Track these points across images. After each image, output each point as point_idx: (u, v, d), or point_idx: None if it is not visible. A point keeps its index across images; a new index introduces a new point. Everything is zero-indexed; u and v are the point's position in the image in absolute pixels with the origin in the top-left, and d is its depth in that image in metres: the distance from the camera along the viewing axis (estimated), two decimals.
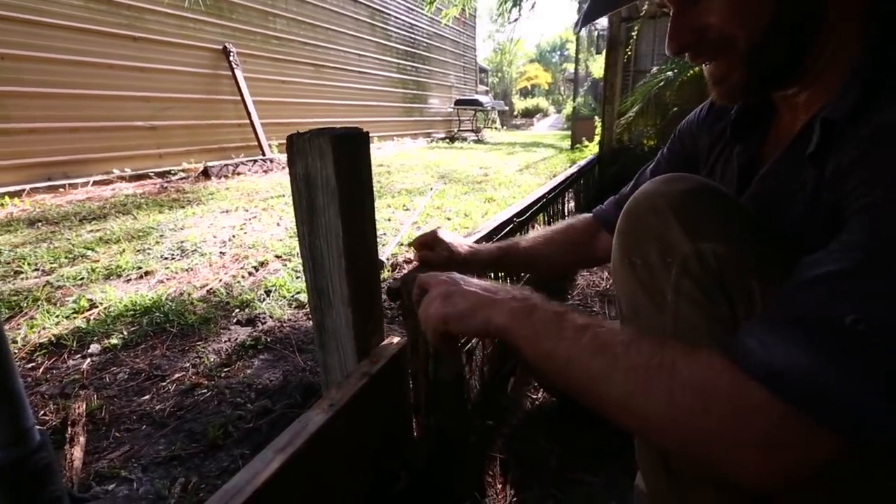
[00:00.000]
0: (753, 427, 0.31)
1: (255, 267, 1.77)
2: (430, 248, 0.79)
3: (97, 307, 1.41)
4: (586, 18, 0.59)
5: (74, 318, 1.35)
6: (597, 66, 8.26)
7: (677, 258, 0.44)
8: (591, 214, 0.86)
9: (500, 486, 0.80)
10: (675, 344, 0.37)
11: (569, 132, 8.71)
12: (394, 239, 2.06)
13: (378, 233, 2.29)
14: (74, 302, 1.43)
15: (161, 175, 3.93)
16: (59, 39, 3.34)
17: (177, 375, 1.09)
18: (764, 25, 0.42)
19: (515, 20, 2.68)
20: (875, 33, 0.39)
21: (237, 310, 1.42)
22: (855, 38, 0.41)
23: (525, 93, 27.66)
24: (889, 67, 0.36)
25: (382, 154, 6.13)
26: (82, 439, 0.88)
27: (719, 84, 0.50)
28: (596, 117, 5.02)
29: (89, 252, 1.90)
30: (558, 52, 33.90)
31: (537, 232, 0.89)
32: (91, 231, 2.21)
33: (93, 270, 1.69)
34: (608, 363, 0.37)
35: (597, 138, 3.87)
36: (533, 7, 2.72)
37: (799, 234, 0.43)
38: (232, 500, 0.46)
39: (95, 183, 3.51)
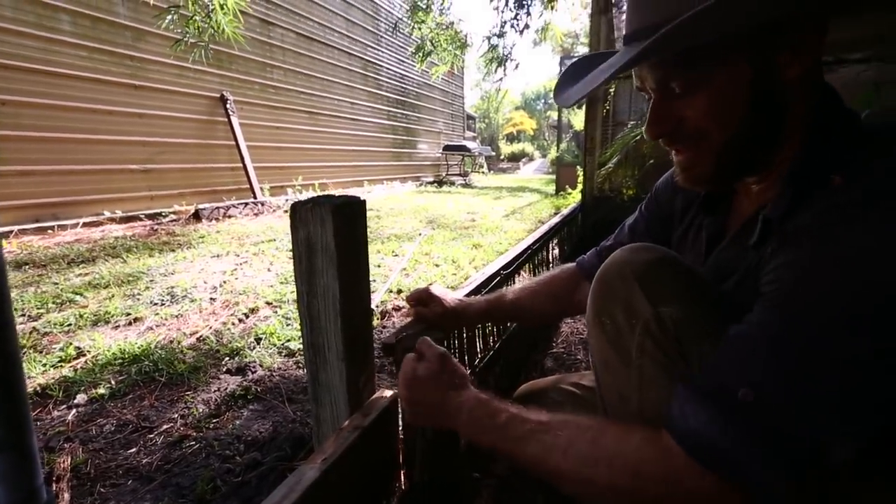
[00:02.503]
0: (680, 486, 0.38)
1: (245, 314, 1.79)
2: (424, 303, 0.85)
3: (85, 355, 1.41)
4: (559, 95, 0.64)
5: (61, 366, 1.34)
6: (578, 119, 8.70)
7: (640, 320, 0.50)
8: (574, 265, 0.90)
9: None
10: (610, 431, 0.45)
11: (553, 176, 9.03)
12: (383, 286, 2.10)
13: None
14: (61, 350, 1.42)
15: (151, 217, 3.96)
16: (61, 87, 3.45)
17: (165, 427, 1.09)
18: (736, 127, 0.47)
19: (500, 79, 2.88)
20: (810, 144, 0.46)
21: (227, 358, 1.43)
22: (800, 145, 0.47)
23: (511, 138, 28.72)
24: (812, 176, 0.43)
25: (372, 197, 6.26)
26: (67, 496, 0.87)
27: (686, 171, 0.54)
28: (578, 166, 5.25)
29: (77, 297, 1.90)
30: (542, 101, 35.56)
31: (523, 284, 0.94)
32: (79, 275, 2.22)
33: (81, 316, 1.69)
34: (558, 461, 0.46)
35: (580, 186, 4.04)
36: (517, 67, 2.92)
37: (736, 306, 0.49)
38: None
39: (85, 224, 3.52)
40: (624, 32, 0.51)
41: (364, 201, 0.72)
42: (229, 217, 4.11)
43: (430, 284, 0.89)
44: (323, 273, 0.69)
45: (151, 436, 1.06)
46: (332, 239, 0.66)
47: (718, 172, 0.51)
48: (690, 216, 0.71)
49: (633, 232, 0.83)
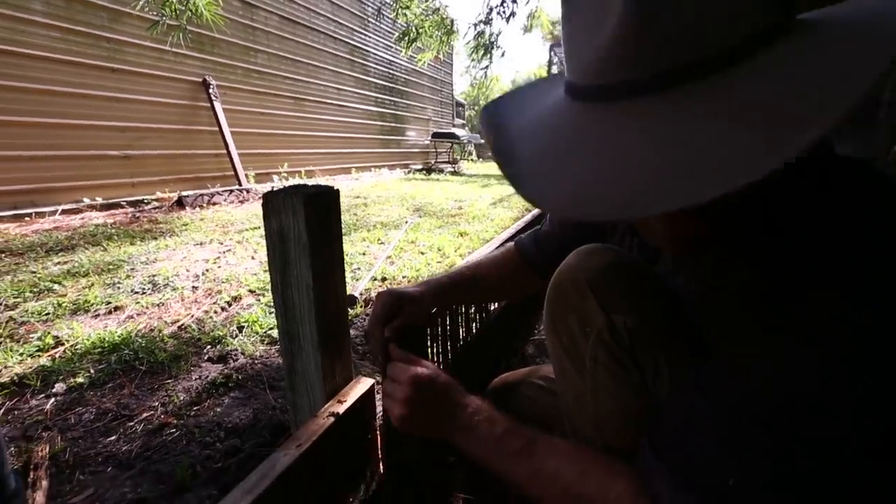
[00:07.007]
0: None
1: (227, 302, 1.78)
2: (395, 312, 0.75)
3: (63, 344, 1.40)
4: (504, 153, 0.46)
5: (39, 356, 1.33)
6: None
7: (594, 329, 0.49)
8: (514, 250, 0.85)
9: None
10: (596, 470, 0.43)
11: None
12: (367, 274, 2.11)
13: (353, 267, 2.32)
14: (39, 339, 1.41)
15: (133, 204, 3.89)
16: (34, 69, 3.34)
17: (145, 415, 1.09)
18: None
19: (486, 67, 2.86)
20: None
21: (209, 346, 1.43)
22: None
23: None
24: None
25: (359, 185, 6.21)
26: (45, 483, 0.87)
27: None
28: None
29: (56, 286, 1.87)
30: None
31: (471, 262, 0.88)
32: (58, 263, 2.18)
33: (59, 305, 1.67)
34: (545, 486, 0.45)
35: None
36: (503, 55, 2.90)
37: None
38: None
39: (64, 212, 3.44)
40: (583, 72, 0.34)
41: (337, 191, 0.73)
42: (214, 204, 4.05)
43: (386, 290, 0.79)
44: (296, 263, 0.69)
45: (131, 424, 1.06)
46: (305, 229, 0.66)
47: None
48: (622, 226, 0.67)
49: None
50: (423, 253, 2.59)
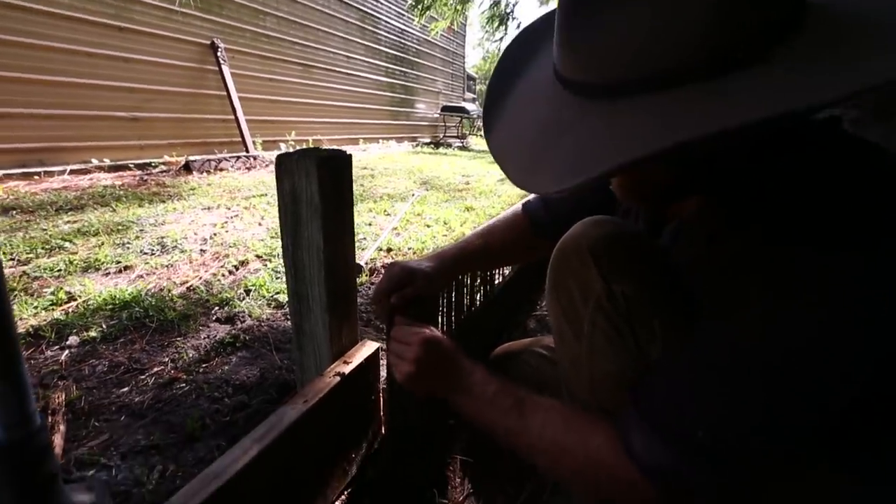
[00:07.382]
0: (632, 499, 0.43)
1: (235, 266, 1.81)
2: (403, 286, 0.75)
3: (76, 300, 1.43)
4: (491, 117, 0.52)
5: (52, 309, 1.37)
6: None
7: (593, 296, 0.51)
8: (522, 213, 0.85)
9: (458, 481, 0.88)
10: (579, 424, 0.48)
11: None
12: (373, 244, 2.12)
13: (359, 237, 2.34)
14: (52, 294, 1.44)
15: (141, 167, 3.89)
16: (39, 25, 3.28)
17: (156, 369, 1.13)
18: None
19: (500, 38, 2.79)
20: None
21: (217, 308, 1.46)
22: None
23: None
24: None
25: (367, 156, 6.17)
26: (62, 427, 0.91)
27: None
28: None
29: (67, 244, 1.90)
30: None
31: (478, 231, 0.89)
32: (68, 222, 2.20)
33: (71, 262, 1.70)
34: (530, 442, 0.50)
35: None
36: (519, 26, 2.83)
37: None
38: (211, 483, 0.52)
39: (72, 172, 3.45)
40: (561, 63, 0.40)
41: (350, 155, 0.73)
42: (221, 170, 4.04)
43: (394, 263, 0.78)
44: (307, 224, 0.70)
45: (143, 377, 1.10)
46: (317, 191, 0.67)
47: None
48: None
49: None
50: (428, 226, 2.59)
